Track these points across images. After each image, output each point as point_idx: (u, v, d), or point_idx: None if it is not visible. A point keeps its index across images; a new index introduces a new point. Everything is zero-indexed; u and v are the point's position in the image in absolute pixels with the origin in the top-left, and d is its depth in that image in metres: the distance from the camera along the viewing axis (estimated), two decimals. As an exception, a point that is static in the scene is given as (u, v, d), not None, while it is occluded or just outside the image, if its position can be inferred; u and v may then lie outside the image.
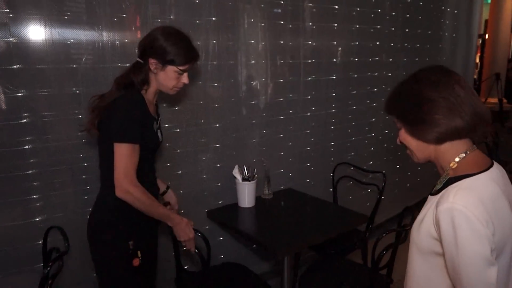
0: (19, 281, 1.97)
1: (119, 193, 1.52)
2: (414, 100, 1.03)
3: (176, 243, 1.98)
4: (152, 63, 1.58)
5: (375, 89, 3.31)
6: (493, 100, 8.58)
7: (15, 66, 1.79)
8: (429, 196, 1.08)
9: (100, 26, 1.96)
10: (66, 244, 1.62)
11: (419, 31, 3.62)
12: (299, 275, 2.10)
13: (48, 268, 1.49)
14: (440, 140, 1.03)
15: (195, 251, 1.72)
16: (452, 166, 1.03)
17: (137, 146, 1.54)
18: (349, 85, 3.09)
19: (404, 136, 1.10)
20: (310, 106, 2.87)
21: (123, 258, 1.60)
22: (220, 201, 2.45)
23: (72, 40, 1.90)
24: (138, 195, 1.52)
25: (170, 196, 1.96)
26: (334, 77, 2.96)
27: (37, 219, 1.96)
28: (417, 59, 3.65)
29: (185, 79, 1.64)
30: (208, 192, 2.43)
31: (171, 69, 1.58)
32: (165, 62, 1.57)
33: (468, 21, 4.46)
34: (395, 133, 1.13)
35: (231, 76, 2.44)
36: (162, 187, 1.94)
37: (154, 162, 1.78)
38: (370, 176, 2.86)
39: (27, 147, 1.88)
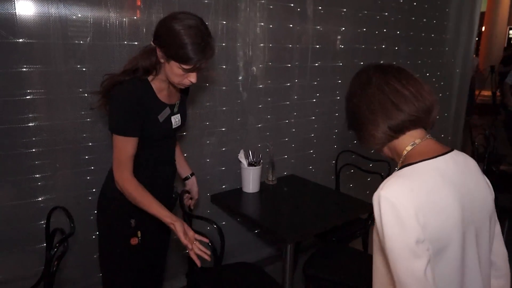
0: (20, 261, 1.93)
1: (115, 182, 1.53)
2: (347, 112, 1.08)
3: None
4: (159, 51, 1.44)
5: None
6: (487, 93, 8.66)
7: (19, 40, 1.72)
8: None
9: (108, 2, 1.89)
10: (72, 225, 1.58)
11: (424, 20, 3.59)
12: (304, 261, 2.10)
13: (55, 249, 1.46)
14: (380, 145, 1.04)
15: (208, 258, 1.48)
16: (401, 160, 1.01)
17: (130, 139, 1.48)
18: (354, 72, 3.06)
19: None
20: (316, 92, 2.84)
21: (123, 235, 1.60)
22: (223, 185, 2.43)
23: (79, 15, 1.83)
24: (128, 190, 1.49)
25: (192, 183, 1.91)
26: (341, 64, 2.93)
27: (40, 198, 1.92)
28: (421, 48, 3.63)
29: (192, 78, 1.48)
30: (211, 176, 2.41)
31: (174, 64, 1.42)
32: (168, 55, 1.42)
33: (471, 12, 4.44)
34: None
35: (238, 59, 2.39)
36: (186, 172, 1.90)
37: (169, 148, 1.71)
38: (370, 164, 2.86)
39: (30, 124, 1.82)
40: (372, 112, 0.99)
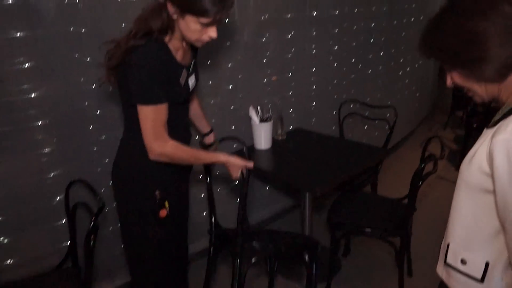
0: (40, 240, 1.84)
1: (152, 157, 1.38)
2: (460, 38, 0.87)
3: (211, 198, 1.90)
4: (170, 7, 1.28)
5: (373, 24, 3.25)
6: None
7: (9, 2, 1.53)
8: (485, 129, 0.97)
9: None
10: (99, 198, 1.49)
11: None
12: (318, 210, 2.12)
13: (92, 224, 1.39)
14: (503, 75, 0.88)
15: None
16: None
17: (161, 106, 1.35)
18: (350, 21, 3.00)
19: (459, 80, 0.94)
20: (315, 43, 2.77)
21: (149, 209, 1.47)
22: (235, 144, 2.37)
23: (72, -31, 1.65)
24: (173, 155, 1.39)
25: (210, 140, 1.87)
26: (337, 13, 2.85)
27: (52, 174, 1.80)
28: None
29: (212, 33, 1.33)
30: (220, 137, 2.33)
31: (191, 19, 1.28)
32: (183, 10, 1.27)
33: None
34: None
35: (239, 12, 2.26)
36: (206, 129, 1.84)
37: (185, 113, 1.58)
38: (367, 113, 2.86)
39: (33, 95, 1.67)
40: (505, 31, 0.82)
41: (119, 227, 1.63)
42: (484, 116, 3.52)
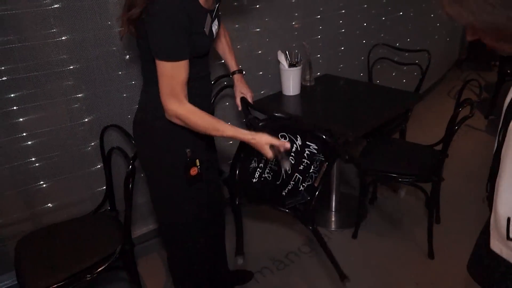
0: (75, 184, 1.89)
1: (167, 116, 1.28)
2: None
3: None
4: None
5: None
6: None
7: None
8: None
9: None
10: (133, 142, 1.50)
11: None
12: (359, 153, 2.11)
13: (130, 166, 1.40)
14: None
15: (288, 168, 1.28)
16: None
17: (182, 63, 1.23)
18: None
19: (490, 42, 0.84)
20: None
21: (179, 167, 1.38)
22: (262, 90, 2.33)
23: None
24: (188, 119, 1.26)
25: (237, 79, 1.70)
26: None
27: (84, 120, 1.81)
28: None
29: None
30: (248, 82, 2.28)
31: None
32: None
33: None
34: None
35: None
36: (233, 67, 1.69)
37: (206, 62, 1.43)
38: (396, 58, 2.75)
39: (62, 38, 1.63)
40: None
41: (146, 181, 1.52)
42: (520, 61, 3.35)
